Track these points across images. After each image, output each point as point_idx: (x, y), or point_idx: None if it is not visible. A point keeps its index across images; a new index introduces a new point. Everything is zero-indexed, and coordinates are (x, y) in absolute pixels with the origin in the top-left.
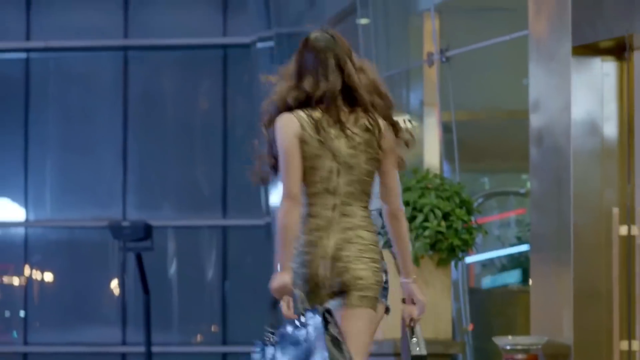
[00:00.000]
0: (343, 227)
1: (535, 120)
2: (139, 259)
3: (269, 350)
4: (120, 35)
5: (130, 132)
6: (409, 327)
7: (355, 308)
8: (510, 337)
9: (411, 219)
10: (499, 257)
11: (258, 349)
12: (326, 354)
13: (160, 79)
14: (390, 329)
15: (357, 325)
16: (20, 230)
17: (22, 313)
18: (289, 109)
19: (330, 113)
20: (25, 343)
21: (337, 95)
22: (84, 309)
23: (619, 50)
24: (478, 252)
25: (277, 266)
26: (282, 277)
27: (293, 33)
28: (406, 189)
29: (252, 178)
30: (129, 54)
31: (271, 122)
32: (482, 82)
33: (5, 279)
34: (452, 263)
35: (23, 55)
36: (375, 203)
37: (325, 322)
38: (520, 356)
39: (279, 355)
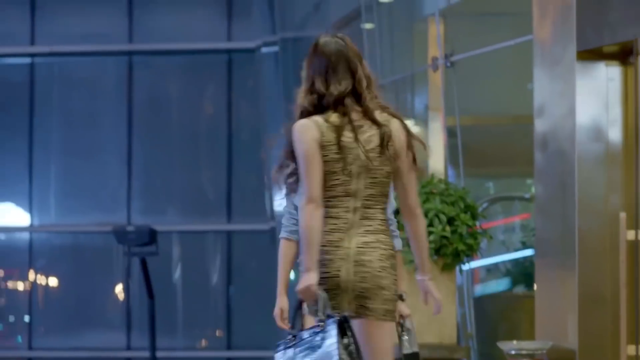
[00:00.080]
0: (363, 230)
1: (540, 125)
2: (144, 264)
3: (289, 352)
4: (125, 40)
5: (135, 137)
6: (398, 324)
7: (381, 322)
8: (515, 342)
9: None
10: (503, 262)
11: (280, 349)
12: None
13: (165, 84)
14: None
15: (385, 340)
16: (25, 235)
17: (26, 318)
18: (308, 113)
19: (345, 116)
20: (30, 348)
21: (350, 99)
22: (88, 314)
23: (623, 55)
24: (482, 257)
25: (301, 268)
26: (307, 279)
27: (298, 38)
28: None
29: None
30: (133, 59)
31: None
32: (486, 87)
33: (10, 284)
34: (457, 268)
35: (28, 60)
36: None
37: (342, 331)
38: None
39: (298, 358)
